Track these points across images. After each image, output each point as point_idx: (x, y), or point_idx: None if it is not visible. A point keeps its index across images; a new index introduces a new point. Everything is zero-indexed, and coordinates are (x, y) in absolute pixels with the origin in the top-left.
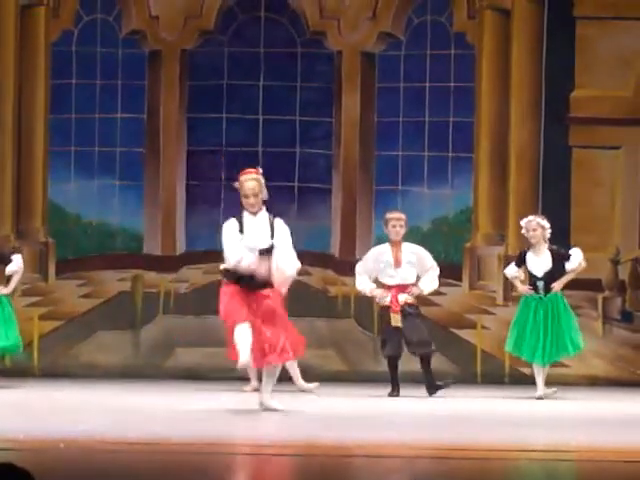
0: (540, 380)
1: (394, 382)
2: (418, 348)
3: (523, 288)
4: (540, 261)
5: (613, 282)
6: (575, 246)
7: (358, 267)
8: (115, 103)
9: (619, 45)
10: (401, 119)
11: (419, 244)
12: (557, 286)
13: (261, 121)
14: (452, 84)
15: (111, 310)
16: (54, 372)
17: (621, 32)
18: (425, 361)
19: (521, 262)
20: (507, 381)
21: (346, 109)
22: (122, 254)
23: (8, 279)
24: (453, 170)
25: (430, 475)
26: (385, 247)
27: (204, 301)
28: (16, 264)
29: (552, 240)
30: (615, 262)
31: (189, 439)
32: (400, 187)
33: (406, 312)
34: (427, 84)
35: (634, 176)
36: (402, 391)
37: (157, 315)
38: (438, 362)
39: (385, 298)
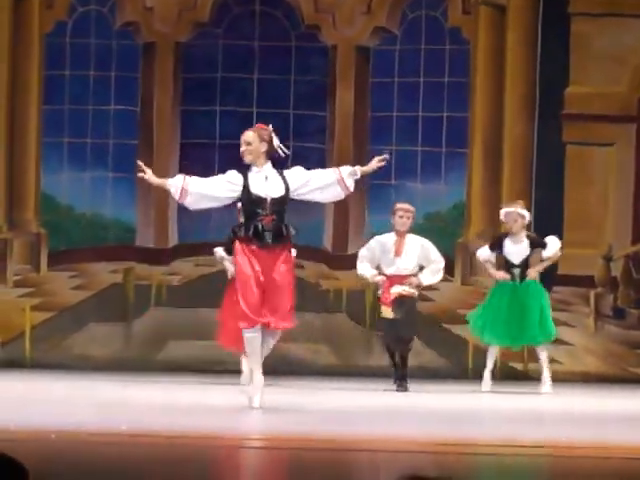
0: (490, 364)
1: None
2: (397, 345)
3: (499, 274)
4: (518, 248)
5: (605, 279)
6: (567, 242)
7: (361, 253)
8: (108, 95)
9: (614, 42)
10: (395, 114)
11: None
12: (532, 273)
13: (255, 114)
14: (446, 79)
15: (103, 302)
16: (46, 363)
17: (616, 29)
18: (400, 357)
19: (496, 247)
20: (497, 376)
21: (340, 103)
22: (114, 246)
23: None
24: (446, 165)
25: (424, 469)
26: (389, 236)
27: (196, 294)
28: None
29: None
30: (608, 259)
31: (181, 432)
32: (393, 182)
33: (397, 304)
34: (421, 79)
35: (627, 173)
36: (392, 385)
37: (149, 307)
38: (430, 357)
39: (380, 289)
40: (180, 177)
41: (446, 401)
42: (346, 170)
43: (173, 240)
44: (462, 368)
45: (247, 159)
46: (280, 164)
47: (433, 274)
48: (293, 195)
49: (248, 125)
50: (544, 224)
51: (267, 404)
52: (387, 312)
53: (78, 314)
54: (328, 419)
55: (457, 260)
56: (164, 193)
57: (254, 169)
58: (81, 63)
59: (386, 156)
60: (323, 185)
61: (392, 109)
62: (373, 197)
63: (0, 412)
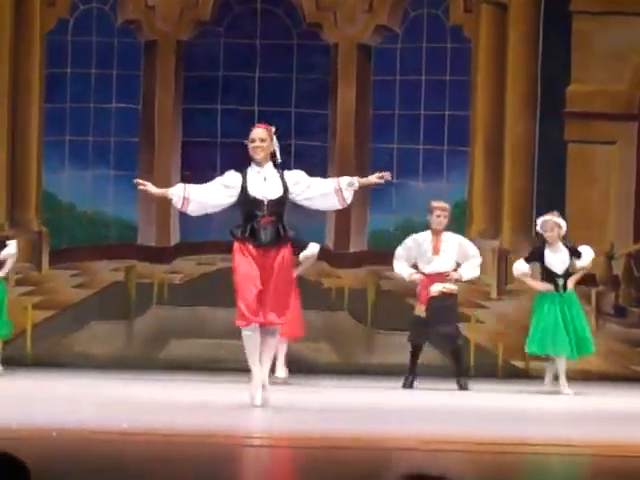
0: (563, 377)
1: (410, 371)
2: (441, 343)
3: (543, 285)
4: (559, 258)
5: (607, 277)
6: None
7: (397, 252)
8: (110, 93)
9: (615, 40)
10: (397, 112)
11: None
12: (570, 283)
13: (256, 112)
14: (448, 77)
15: (104, 300)
16: (47, 362)
17: (617, 27)
18: (451, 355)
19: (535, 258)
20: (500, 375)
21: (342, 101)
22: (116, 244)
23: (1, 264)
24: (448, 164)
25: (425, 467)
26: (426, 234)
27: (198, 292)
28: (11, 248)
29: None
30: (609, 257)
31: (182, 430)
32: (395, 180)
33: (435, 304)
34: (423, 77)
35: (629, 171)
36: (393, 383)
37: (151, 306)
38: (432, 355)
39: (418, 286)
40: (181, 186)
41: (449, 399)
42: (345, 181)
43: (175, 238)
44: (464, 366)
45: (259, 156)
46: (283, 163)
47: (472, 269)
48: (290, 197)
49: (250, 123)
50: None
51: (269, 402)
52: (420, 310)
53: (79, 312)
54: (329, 417)
55: None
56: None
57: (254, 168)
58: (83, 61)
59: (388, 176)
60: (320, 194)
61: (394, 107)
62: (375, 195)
63: (1, 410)
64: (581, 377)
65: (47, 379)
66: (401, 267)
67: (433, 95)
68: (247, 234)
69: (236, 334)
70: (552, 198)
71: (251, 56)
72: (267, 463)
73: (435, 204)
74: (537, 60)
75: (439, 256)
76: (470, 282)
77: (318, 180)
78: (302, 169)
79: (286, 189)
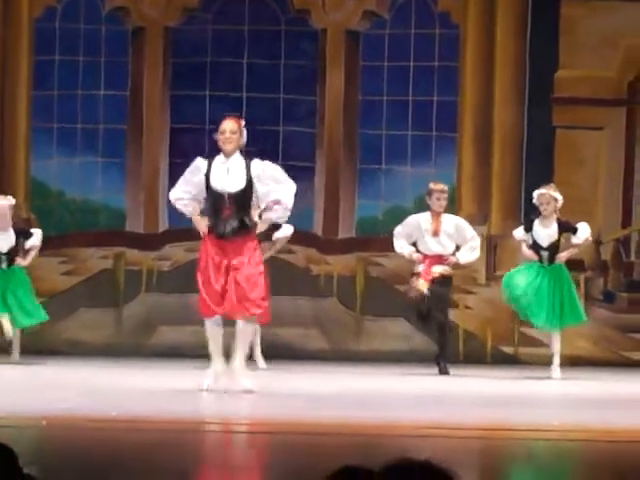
0: (557, 358)
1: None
2: (430, 327)
3: (529, 253)
4: (547, 232)
5: (596, 262)
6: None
7: (397, 231)
8: (98, 80)
9: (604, 26)
10: (385, 98)
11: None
12: (562, 257)
13: (245, 99)
14: (436, 63)
15: (93, 288)
16: (36, 349)
17: (606, 13)
18: (437, 340)
19: (529, 228)
20: (489, 360)
21: (330, 87)
22: (104, 231)
23: (26, 252)
24: (437, 149)
25: (415, 453)
26: (426, 216)
27: (187, 279)
28: (37, 238)
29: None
30: (597, 242)
31: (171, 417)
32: (384, 166)
33: (432, 287)
34: (411, 63)
35: (617, 157)
36: (385, 370)
37: (139, 293)
38: (420, 341)
39: (419, 266)
40: (182, 202)
41: (438, 385)
42: (269, 216)
43: (163, 225)
44: (453, 352)
45: (228, 147)
46: (271, 148)
47: (471, 251)
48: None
49: (238, 110)
50: (534, 208)
51: (256, 388)
52: (424, 285)
53: (68, 300)
54: (315, 403)
55: None
56: (154, 178)
57: (220, 159)
58: (70, 48)
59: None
60: (262, 198)
61: (382, 93)
62: (363, 181)
63: None
64: (570, 363)
65: (36, 366)
66: (401, 245)
67: (421, 81)
68: (210, 226)
69: (226, 322)
70: (540, 184)
71: (239, 42)
72: (255, 449)
73: (434, 186)
74: (525, 46)
75: (439, 238)
76: (468, 265)
77: (279, 190)
78: (290, 155)
79: (250, 181)
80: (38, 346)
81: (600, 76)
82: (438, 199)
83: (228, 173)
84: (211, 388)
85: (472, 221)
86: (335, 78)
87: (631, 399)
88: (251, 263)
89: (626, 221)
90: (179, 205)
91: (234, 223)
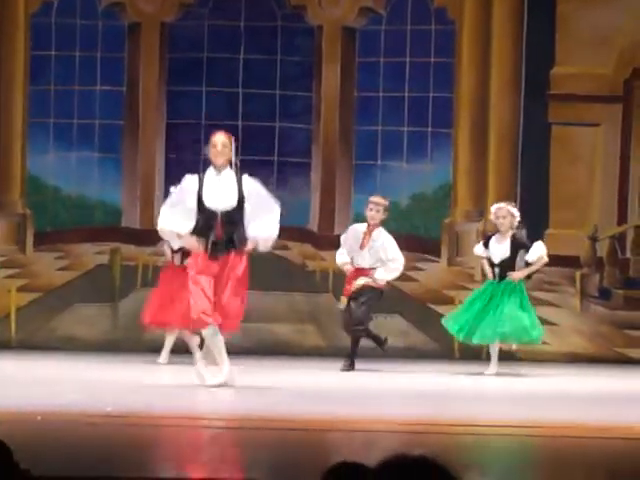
0: (494, 356)
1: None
2: (348, 330)
3: (488, 269)
4: (500, 248)
5: (591, 259)
6: (553, 223)
7: (342, 238)
8: (94, 75)
9: (599, 22)
10: (381, 94)
11: (398, 219)
12: (514, 275)
13: (241, 94)
14: (432, 59)
15: (89, 283)
16: (31, 344)
17: (601, 9)
18: (351, 337)
19: (484, 244)
20: (484, 357)
21: (326, 83)
22: (100, 227)
23: None
24: (432, 145)
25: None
26: (362, 227)
27: None
28: None
29: (527, 223)
30: (593, 239)
31: (167, 412)
32: (379, 162)
33: (353, 297)
34: (407, 59)
35: (613, 153)
36: (382, 366)
37: (135, 288)
38: (416, 337)
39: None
40: (177, 228)
41: (432, 381)
42: (254, 239)
43: None
44: (448, 349)
45: (219, 161)
46: (267, 146)
47: (387, 272)
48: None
49: (234, 105)
50: (530, 205)
51: (248, 384)
52: (343, 302)
53: (64, 295)
54: (311, 399)
55: (443, 240)
56: (150, 173)
57: (212, 173)
58: (67, 43)
59: None
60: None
61: (378, 89)
62: (359, 177)
63: None
64: (566, 359)
65: (31, 362)
66: (339, 255)
67: (417, 77)
68: (202, 245)
69: None
70: (536, 180)
71: (235, 38)
72: (248, 445)
73: (371, 198)
74: (521, 42)
75: (364, 251)
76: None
77: (259, 207)
78: (286, 151)
79: (242, 197)
80: (33, 341)
81: (596, 73)
82: (371, 210)
83: (221, 189)
84: (224, 384)
85: (468, 217)
86: (331, 74)
87: (625, 396)
88: (238, 279)
89: (622, 218)
90: (167, 237)
91: (225, 242)
